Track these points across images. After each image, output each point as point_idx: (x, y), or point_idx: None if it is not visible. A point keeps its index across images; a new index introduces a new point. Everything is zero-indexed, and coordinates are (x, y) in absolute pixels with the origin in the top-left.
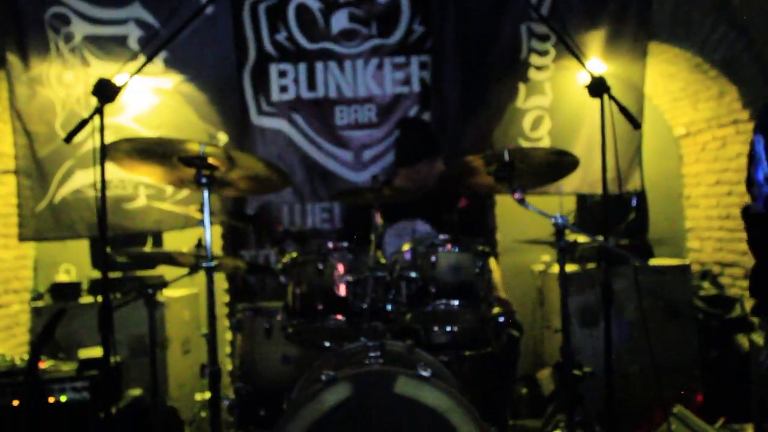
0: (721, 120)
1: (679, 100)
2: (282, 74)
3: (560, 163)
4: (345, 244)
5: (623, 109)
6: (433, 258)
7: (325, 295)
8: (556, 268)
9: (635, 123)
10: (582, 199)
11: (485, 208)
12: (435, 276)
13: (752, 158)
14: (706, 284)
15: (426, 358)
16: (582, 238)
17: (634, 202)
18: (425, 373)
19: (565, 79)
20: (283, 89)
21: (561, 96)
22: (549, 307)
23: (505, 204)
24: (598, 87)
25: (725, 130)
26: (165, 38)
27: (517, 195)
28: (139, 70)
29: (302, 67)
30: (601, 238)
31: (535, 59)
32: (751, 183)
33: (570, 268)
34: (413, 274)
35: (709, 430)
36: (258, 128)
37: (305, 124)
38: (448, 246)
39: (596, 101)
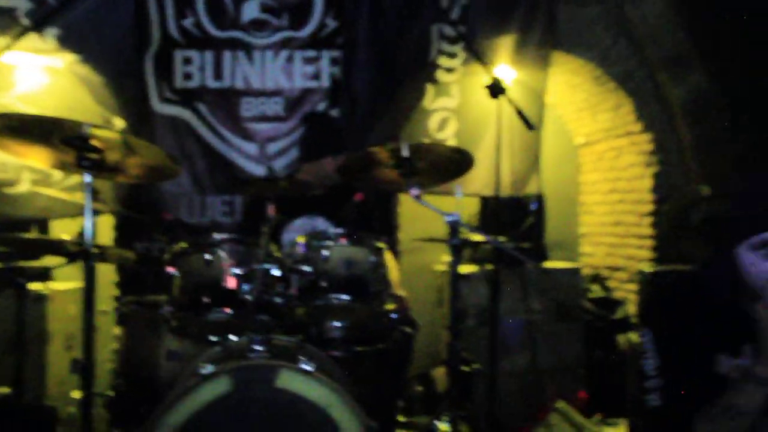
0: (617, 131)
1: (582, 110)
2: (187, 61)
3: (460, 161)
4: (235, 236)
5: (519, 112)
6: (326, 252)
7: (213, 288)
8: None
9: (530, 125)
10: (485, 202)
11: (389, 207)
12: (327, 270)
13: (640, 351)
14: (595, 287)
15: (313, 352)
16: (478, 238)
17: (533, 207)
18: (308, 368)
19: (473, 83)
20: (188, 76)
21: (468, 99)
22: (448, 306)
23: (408, 204)
24: (495, 88)
25: (620, 141)
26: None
27: (413, 191)
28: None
29: (209, 55)
30: (497, 239)
31: (443, 61)
32: (642, 376)
33: (470, 269)
34: (306, 268)
35: (587, 424)
36: (159, 115)
37: (209, 114)
38: (342, 240)
39: (502, 106)
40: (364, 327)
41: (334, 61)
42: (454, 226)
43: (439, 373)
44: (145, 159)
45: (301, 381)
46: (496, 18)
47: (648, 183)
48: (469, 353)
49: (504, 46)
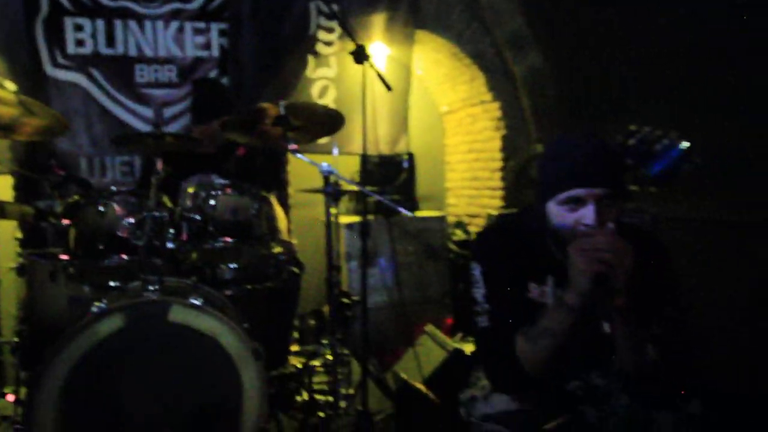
0: (472, 100)
1: (444, 83)
2: (78, 28)
3: (333, 119)
4: (126, 189)
5: (379, 75)
6: (213, 201)
7: (107, 237)
8: (342, 219)
9: (388, 86)
10: (364, 161)
11: (279, 165)
12: (215, 217)
13: (472, 281)
14: (458, 231)
15: (204, 291)
16: (351, 188)
17: (405, 164)
18: (197, 302)
19: (348, 55)
20: (80, 43)
21: (344, 69)
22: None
23: (297, 162)
24: (359, 55)
25: (475, 109)
26: None
27: (291, 146)
28: None
29: (100, 23)
30: (373, 190)
31: (322, 35)
32: (473, 302)
33: (354, 218)
34: (194, 216)
35: (449, 342)
36: (52, 80)
37: (104, 80)
38: (228, 190)
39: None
40: (253, 267)
41: (222, 33)
42: (326, 175)
43: (328, 309)
44: (40, 119)
45: (191, 314)
46: None
47: (497, 144)
48: (351, 289)
49: (376, 24)
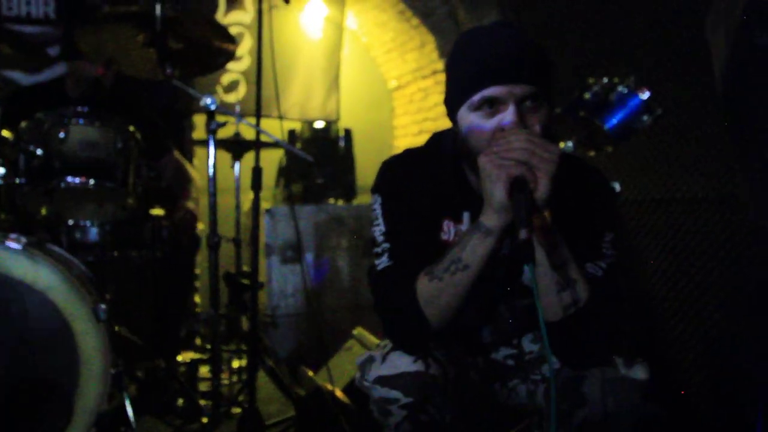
0: (423, 71)
1: (391, 51)
2: None
3: (221, 49)
4: None
5: None
6: (62, 133)
7: None
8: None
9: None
10: (292, 137)
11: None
12: (63, 151)
13: (372, 219)
14: None
15: (48, 249)
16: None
17: (341, 142)
18: (16, 245)
19: None
20: None
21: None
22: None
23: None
24: None
25: (427, 81)
26: None
27: (167, 71)
28: None
29: None
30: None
31: None
32: (373, 243)
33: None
34: (36, 150)
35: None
36: None
37: None
38: (82, 119)
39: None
40: (123, 229)
41: None
42: (210, 111)
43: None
44: None
45: (11, 258)
46: None
47: (448, 121)
48: (271, 289)
49: None
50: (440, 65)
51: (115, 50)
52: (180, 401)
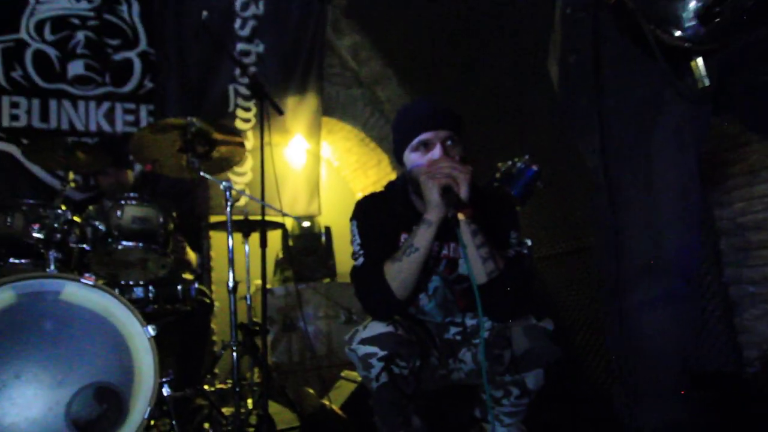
0: (381, 182)
1: (356, 170)
2: (14, 105)
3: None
4: (33, 201)
5: (272, 103)
6: (119, 211)
7: (11, 242)
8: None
9: (279, 111)
10: (285, 236)
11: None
12: (120, 225)
13: (351, 237)
14: None
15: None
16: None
17: (323, 237)
18: (89, 283)
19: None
20: (15, 118)
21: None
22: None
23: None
24: (256, 88)
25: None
26: None
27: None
28: None
29: (36, 101)
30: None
31: (240, 113)
32: (353, 253)
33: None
34: (99, 225)
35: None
36: None
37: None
38: (133, 200)
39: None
40: (162, 285)
41: (150, 112)
42: (228, 191)
43: None
44: None
45: (85, 293)
46: (279, 83)
47: None
48: (272, 352)
49: (291, 112)
50: (394, 176)
51: (158, 153)
52: (206, 425)
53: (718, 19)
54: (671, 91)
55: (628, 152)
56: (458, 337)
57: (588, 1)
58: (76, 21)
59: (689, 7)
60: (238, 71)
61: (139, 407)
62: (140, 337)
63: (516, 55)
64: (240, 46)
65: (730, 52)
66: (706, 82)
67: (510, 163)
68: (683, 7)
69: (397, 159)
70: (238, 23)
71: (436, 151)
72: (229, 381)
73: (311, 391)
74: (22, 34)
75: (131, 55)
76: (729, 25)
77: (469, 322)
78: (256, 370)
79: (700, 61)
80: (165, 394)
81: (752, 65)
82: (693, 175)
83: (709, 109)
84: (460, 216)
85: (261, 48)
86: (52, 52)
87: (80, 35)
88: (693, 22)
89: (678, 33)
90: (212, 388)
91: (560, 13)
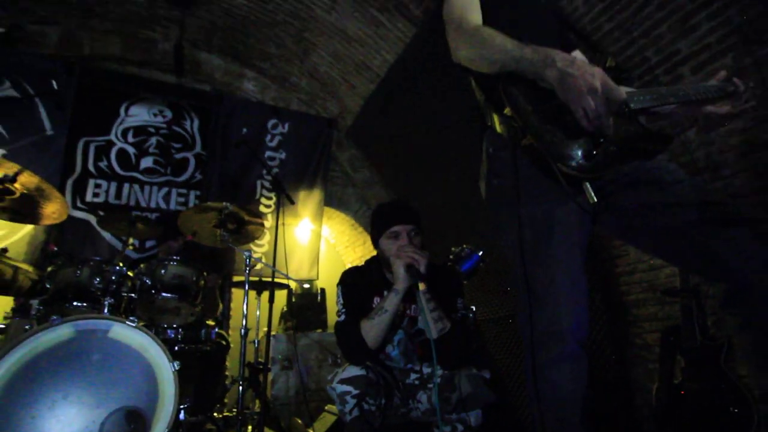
0: (366, 257)
1: (347, 247)
2: (97, 186)
3: (256, 228)
4: (98, 258)
5: (286, 194)
6: (163, 270)
7: (77, 290)
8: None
9: (291, 200)
10: (290, 296)
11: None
12: (163, 280)
13: (336, 300)
14: None
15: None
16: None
17: (318, 298)
18: (132, 324)
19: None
20: (95, 195)
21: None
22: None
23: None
24: (276, 185)
25: None
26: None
27: (225, 238)
28: None
29: (113, 184)
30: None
31: (264, 200)
32: (337, 312)
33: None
34: (146, 279)
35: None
36: (72, 217)
37: (106, 221)
38: (174, 262)
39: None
40: (189, 330)
41: (197, 197)
42: (248, 259)
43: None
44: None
45: (128, 332)
46: (294, 181)
47: None
48: (272, 387)
49: (301, 200)
50: (375, 253)
51: (199, 227)
52: None
53: (595, 158)
54: (565, 207)
55: (536, 250)
56: (417, 382)
57: (506, 143)
58: (152, 129)
59: (578, 150)
60: (264, 171)
61: (159, 428)
62: (167, 370)
63: (461, 171)
64: (268, 153)
65: (604, 181)
66: (595, 199)
67: (461, 247)
68: (575, 150)
69: (373, 243)
70: (268, 137)
71: (403, 239)
72: (234, 410)
73: (299, 421)
74: (112, 137)
75: (189, 155)
76: (602, 162)
77: (426, 369)
78: (257, 401)
79: (588, 185)
80: (181, 418)
81: (616, 190)
82: (580, 266)
83: (590, 218)
84: (420, 286)
85: (283, 155)
86: (131, 150)
87: (153, 140)
88: (582, 160)
89: (573, 164)
90: (220, 415)
91: (485, 151)
